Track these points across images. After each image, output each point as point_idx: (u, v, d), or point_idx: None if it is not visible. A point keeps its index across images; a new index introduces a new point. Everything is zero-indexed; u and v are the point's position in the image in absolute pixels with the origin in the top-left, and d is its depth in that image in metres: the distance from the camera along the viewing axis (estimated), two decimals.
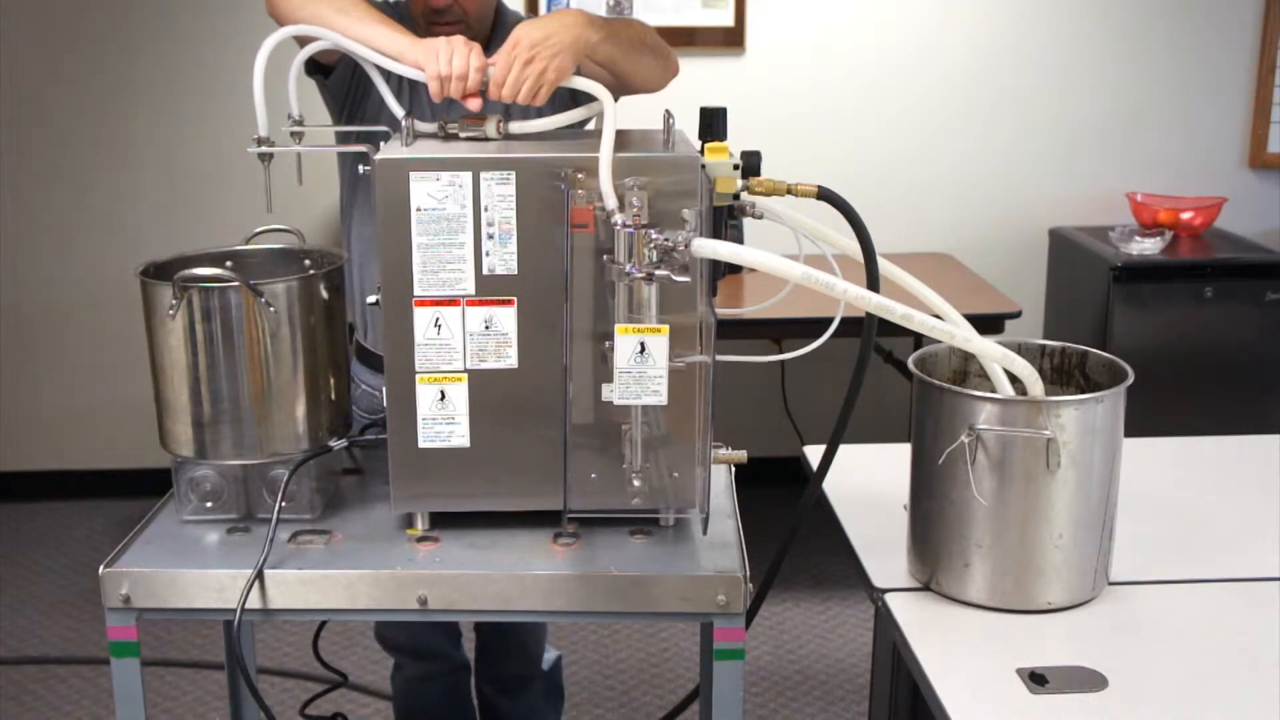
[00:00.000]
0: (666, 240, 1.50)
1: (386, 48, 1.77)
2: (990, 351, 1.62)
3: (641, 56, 1.96)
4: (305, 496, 1.73)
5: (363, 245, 2.16)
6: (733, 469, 1.86)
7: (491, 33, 2.16)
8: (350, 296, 2.19)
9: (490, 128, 1.74)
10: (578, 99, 1.81)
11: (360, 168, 1.66)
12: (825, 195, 1.62)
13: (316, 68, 2.10)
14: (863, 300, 1.53)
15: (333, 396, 1.77)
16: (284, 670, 3.24)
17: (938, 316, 1.69)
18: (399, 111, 1.75)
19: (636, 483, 1.62)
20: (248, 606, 1.59)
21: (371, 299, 1.65)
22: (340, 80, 2.11)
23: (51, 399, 4.30)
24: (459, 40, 1.74)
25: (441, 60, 1.71)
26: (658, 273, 1.50)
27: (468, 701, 2.64)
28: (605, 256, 1.54)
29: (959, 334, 1.59)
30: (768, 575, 1.82)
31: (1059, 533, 1.60)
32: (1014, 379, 1.66)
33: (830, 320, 1.72)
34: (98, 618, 2.73)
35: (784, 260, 1.50)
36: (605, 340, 1.56)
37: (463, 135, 1.74)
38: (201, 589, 1.61)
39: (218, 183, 4.09)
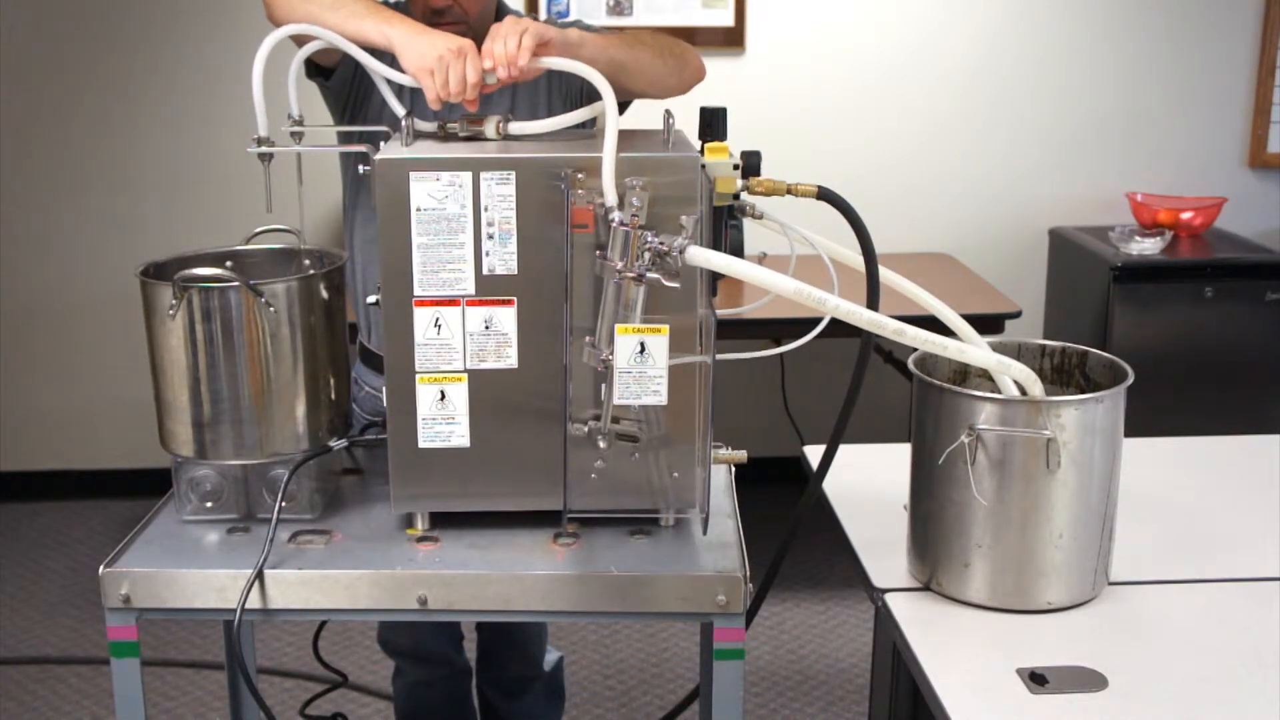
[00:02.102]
0: (661, 244, 1.50)
1: (379, 42, 1.76)
2: (985, 360, 1.62)
3: (640, 51, 1.95)
4: (305, 496, 1.73)
5: (365, 246, 2.16)
6: (733, 469, 1.86)
7: None
8: (354, 297, 2.19)
9: (490, 128, 1.74)
10: (582, 99, 1.81)
11: (360, 168, 1.66)
12: (825, 195, 1.62)
13: (317, 70, 2.09)
14: (855, 316, 1.52)
15: (333, 396, 1.77)
16: (284, 670, 3.24)
17: (934, 320, 1.69)
18: (400, 111, 1.75)
19: (599, 463, 1.61)
20: (248, 606, 1.59)
21: (371, 299, 1.66)
22: (341, 82, 2.10)
23: (51, 399, 4.30)
24: (452, 54, 1.71)
25: (438, 81, 1.70)
26: (648, 275, 1.50)
27: (469, 705, 2.64)
28: (598, 252, 1.54)
29: (953, 345, 1.59)
30: (768, 575, 1.82)
31: (1059, 533, 1.60)
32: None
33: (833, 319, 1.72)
34: (98, 618, 2.73)
35: (777, 275, 1.50)
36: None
37: (462, 135, 1.74)
38: (201, 589, 1.61)
39: (218, 183, 4.09)
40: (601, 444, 1.60)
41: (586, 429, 1.59)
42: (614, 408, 1.58)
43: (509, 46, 1.70)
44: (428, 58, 1.70)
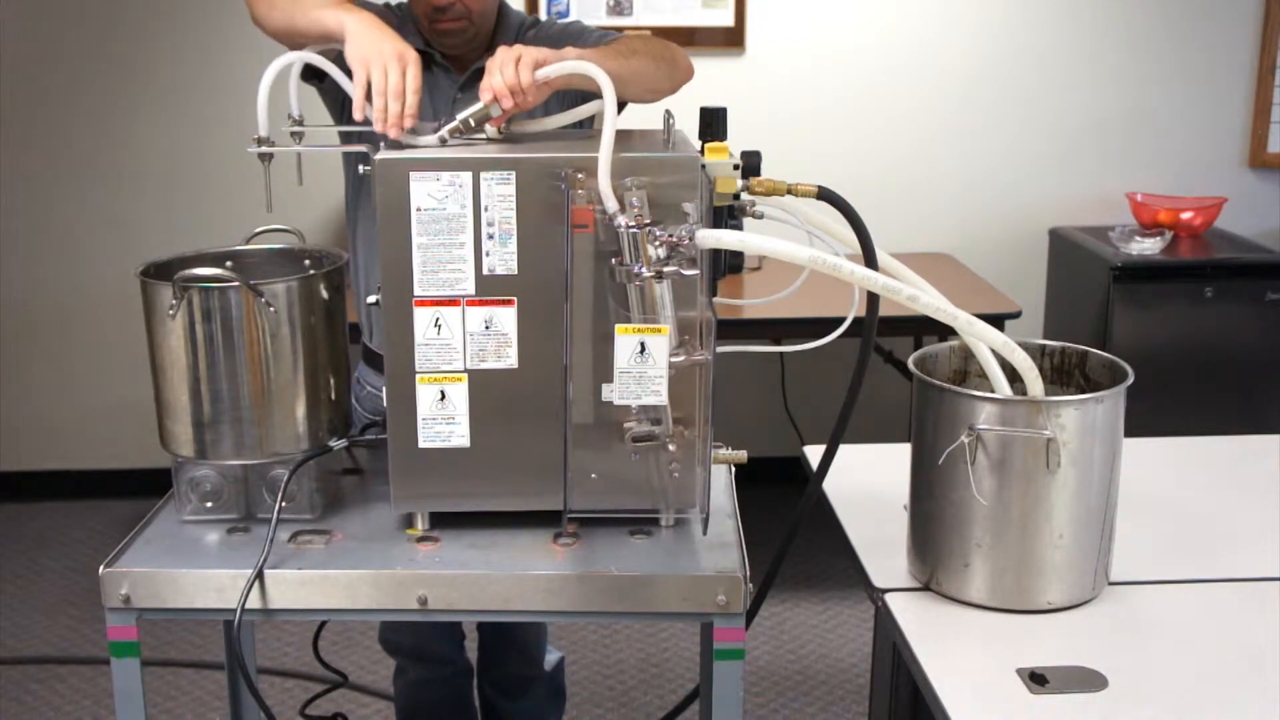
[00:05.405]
0: (671, 236, 1.50)
1: (334, 29, 1.75)
2: (993, 339, 1.61)
3: (635, 61, 1.94)
4: (305, 496, 1.73)
5: (369, 246, 2.16)
6: (733, 469, 1.86)
7: (494, 33, 2.16)
8: (357, 297, 2.18)
9: (490, 128, 1.73)
10: (579, 102, 1.81)
11: (360, 168, 1.65)
12: (825, 195, 1.62)
13: (313, 73, 2.09)
14: (869, 281, 1.52)
15: (333, 396, 1.77)
16: (284, 670, 3.24)
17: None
18: (365, 113, 1.71)
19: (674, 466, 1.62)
20: (248, 606, 1.59)
21: (371, 299, 1.65)
22: (337, 85, 2.10)
23: (51, 399, 4.30)
24: (391, 56, 1.68)
25: (374, 77, 1.67)
26: (666, 269, 1.50)
27: (470, 705, 2.64)
28: (613, 260, 1.54)
29: (962, 316, 1.58)
30: (768, 575, 1.82)
31: (1059, 533, 1.60)
32: (1013, 379, 1.66)
33: (831, 320, 1.72)
34: (98, 618, 2.73)
35: (790, 244, 1.49)
36: (605, 340, 1.56)
37: (465, 133, 1.73)
38: (201, 589, 1.61)
39: (218, 183, 4.09)
40: (672, 448, 1.60)
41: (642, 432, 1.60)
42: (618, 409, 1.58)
43: (507, 76, 1.67)
44: (368, 50, 1.69)
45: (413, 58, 1.71)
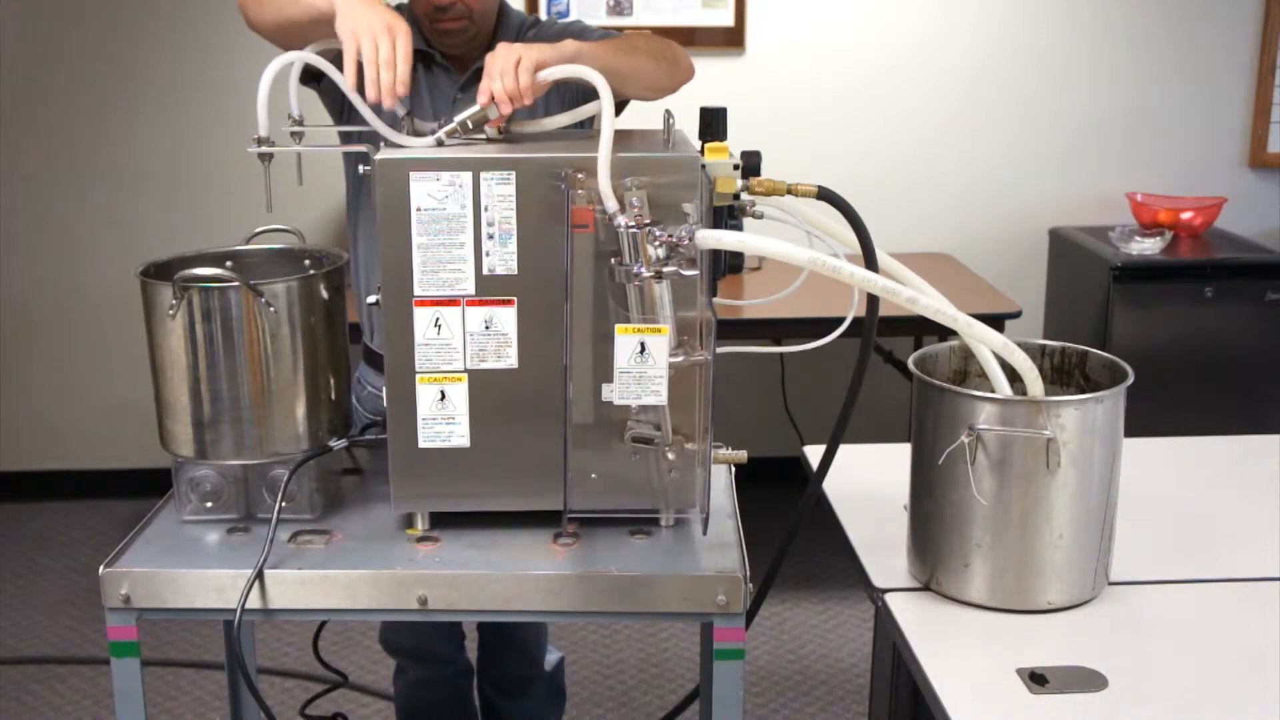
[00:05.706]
0: (671, 236, 1.50)
1: (323, 8, 1.76)
2: (993, 340, 1.61)
3: (636, 58, 1.94)
4: (305, 496, 1.73)
5: (369, 246, 2.16)
6: (733, 469, 1.86)
7: (494, 33, 2.16)
8: (358, 297, 2.18)
9: (490, 128, 1.73)
10: (579, 100, 1.81)
11: (360, 168, 1.65)
12: (825, 195, 1.62)
13: (310, 74, 2.09)
14: (869, 283, 1.52)
15: (333, 396, 1.77)
16: (284, 670, 3.24)
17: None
18: (360, 106, 1.71)
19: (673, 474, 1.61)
20: (248, 606, 1.59)
21: (371, 299, 1.65)
22: (335, 86, 2.10)
23: (51, 399, 4.30)
24: (380, 30, 1.68)
25: (365, 50, 1.67)
26: (666, 269, 1.50)
27: (470, 705, 2.64)
28: (613, 260, 1.54)
29: (962, 318, 1.58)
30: (768, 575, 1.82)
31: (1059, 533, 1.60)
32: (1013, 379, 1.66)
33: (831, 320, 1.72)
34: (98, 618, 2.73)
35: (790, 245, 1.49)
36: (605, 340, 1.56)
37: (463, 134, 1.73)
38: (201, 589, 1.61)
39: (218, 183, 4.09)
40: (670, 455, 1.60)
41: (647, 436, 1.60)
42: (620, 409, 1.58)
43: (507, 84, 1.67)
44: (358, 23, 1.69)
45: (403, 29, 1.70)
